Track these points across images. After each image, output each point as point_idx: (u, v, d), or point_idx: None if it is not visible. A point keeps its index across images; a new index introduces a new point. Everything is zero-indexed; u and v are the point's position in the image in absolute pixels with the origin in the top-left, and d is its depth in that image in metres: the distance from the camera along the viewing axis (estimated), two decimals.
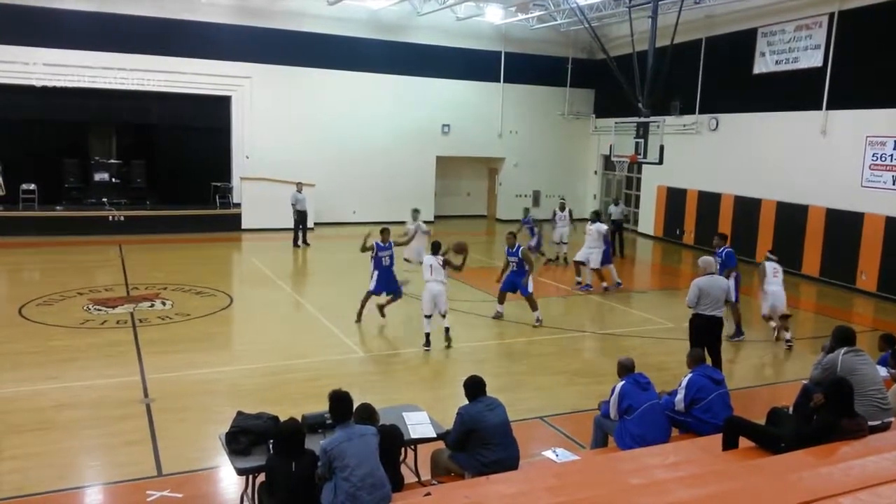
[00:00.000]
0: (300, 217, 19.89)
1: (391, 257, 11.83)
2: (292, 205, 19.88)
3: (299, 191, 20.00)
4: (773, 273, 12.17)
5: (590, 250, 15.18)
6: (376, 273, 11.80)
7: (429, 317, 10.84)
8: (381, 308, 12.03)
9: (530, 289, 12.31)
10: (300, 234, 19.97)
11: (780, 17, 18.91)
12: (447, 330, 10.99)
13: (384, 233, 11.94)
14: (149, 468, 6.70)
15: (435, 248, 11.08)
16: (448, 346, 10.90)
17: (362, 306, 11.97)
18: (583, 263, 15.33)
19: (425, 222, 16.60)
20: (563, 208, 18.50)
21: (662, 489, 4.91)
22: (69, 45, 20.15)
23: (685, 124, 22.20)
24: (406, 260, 15.10)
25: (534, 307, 12.39)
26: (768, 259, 12.54)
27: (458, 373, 8.88)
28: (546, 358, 10.75)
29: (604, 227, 15.37)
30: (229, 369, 9.83)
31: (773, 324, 12.23)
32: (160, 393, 8.60)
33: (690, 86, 21.98)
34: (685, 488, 4.85)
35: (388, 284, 11.88)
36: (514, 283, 12.43)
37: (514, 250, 12.37)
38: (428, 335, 10.84)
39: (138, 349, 10.28)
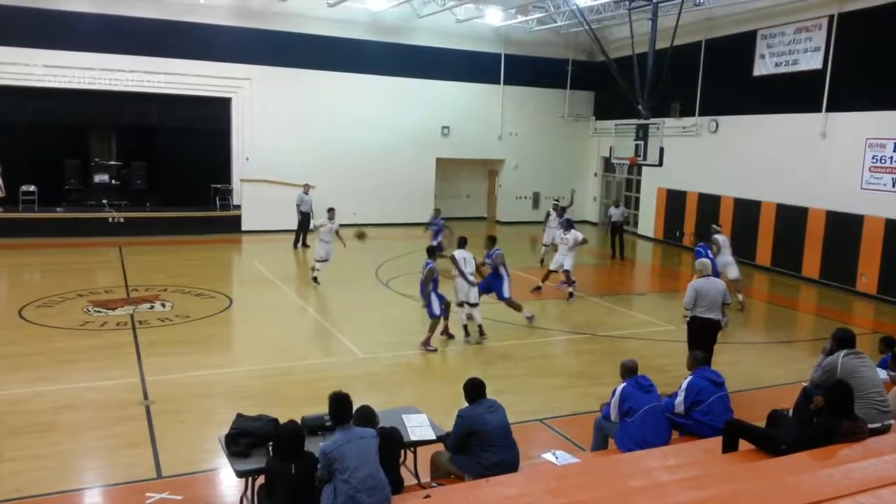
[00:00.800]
0: (303, 219, 19.81)
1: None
2: (297, 206, 19.83)
3: (306, 192, 19.92)
4: (725, 244, 13.74)
5: (563, 257, 14.91)
6: (433, 293, 10.95)
7: (461, 305, 11.27)
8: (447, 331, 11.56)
9: (506, 293, 12.23)
10: (301, 236, 19.95)
11: (779, 20, 18.92)
12: (480, 326, 11.44)
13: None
14: (148, 470, 6.69)
15: (462, 243, 11.81)
16: (482, 336, 11.48)
17: (433, 332, 11.07)
18: (555, 272, 15.11)
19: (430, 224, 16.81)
20: (555, 209, 18.35)
21: (662, 491, 4.91)
22: (70, 46, 20.18)
23: (685, 126, 22.22)
24: (319, 261, 15.31)
25: (517, 308, 12.39)
26: (718, 232, 14.06)
27: (458, 375, 8.87)
28: (546, 360, 10.75)
29: (580, 235, 15.08)
30: (229, 371, 9.83)
31: (739, 296, 13.66)
32: (160, 395, 8.60)
33: (690, 88, 22.00)
34: (685, 490, 4.85)
35: (441, 296, 11.17)
36: (489, 284, 12.35)
37: (490, 253, 12.23)
38: (465, 326, 11.29)
39: (138, 351, 10.28)
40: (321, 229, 15.44)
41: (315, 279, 15.26)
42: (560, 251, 15.13)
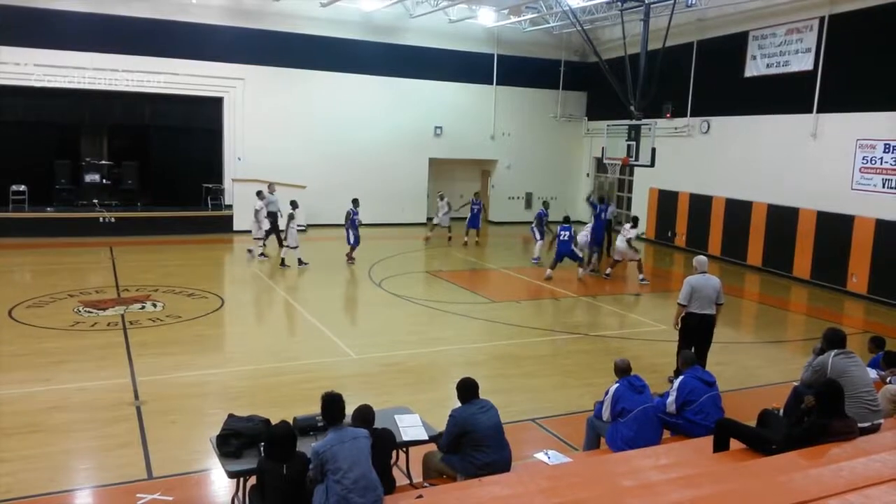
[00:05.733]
0: (273, 219, 18.55)
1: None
2: (265, 206, 18.09)
3: (272, 192, 18.80)
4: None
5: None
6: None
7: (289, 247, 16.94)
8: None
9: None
10: (277, 238, 18.57)
11: (771, 21, 19.00)
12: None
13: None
14: (139, 471, 6.66)
15: (294, 205, 16.87)
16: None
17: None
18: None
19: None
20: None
21: (654, 491, 4.92)
22: (61, 45, 20.06)
23: (677, 127, 22.27)
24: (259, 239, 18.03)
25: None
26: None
27: (451, 375, 8.89)
28: (538, 360, 10.76)
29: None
30: (220, 371, 9.80)
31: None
32: (151, 395, 8.56)
33: (682, 89, 22.05)
34: (677, 490, 4.87)
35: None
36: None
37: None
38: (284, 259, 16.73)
39: (129, 351, 10.24)
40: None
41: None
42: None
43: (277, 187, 20.89)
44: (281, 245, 18.88)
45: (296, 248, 17.07)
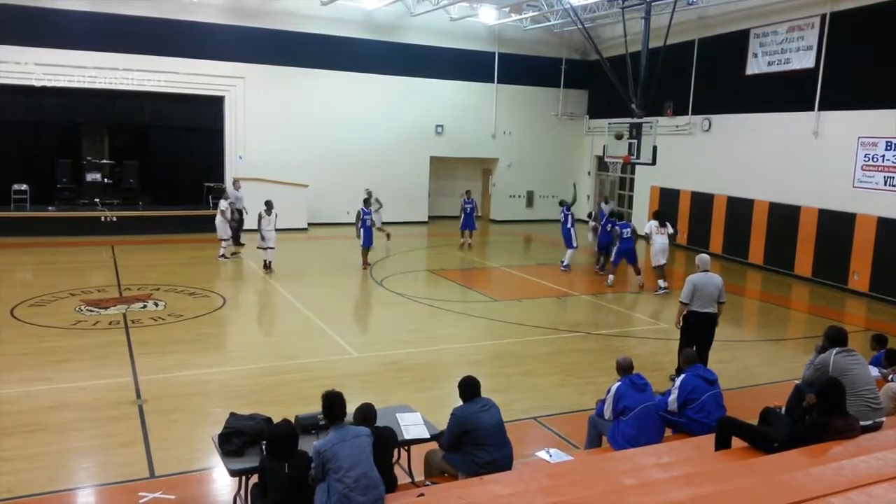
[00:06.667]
0: (239, 216, 18.61)
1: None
2: (230, 204, 17.95)
3: (237, 188, 18.92)
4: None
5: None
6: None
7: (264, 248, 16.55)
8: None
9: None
10: (238, 235, 18.83)
11: (772, 19, 18.97)
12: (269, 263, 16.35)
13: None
14: (141, 469, 6.67)
15: (269, 205, 16.29)
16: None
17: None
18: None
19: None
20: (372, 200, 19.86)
21: (656, 489, 4.92)
22: (61, 44, 20.06)
23: (678, 125, 22.25)
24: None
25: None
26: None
27: (453, 373, 8.89)
28: (540, 358, 10.75)
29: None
30: (222, 370, 9.81)
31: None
32: (153, 394, 8.57)
33: (683, 87, 22.03)
34: (679, 488, 4.86)
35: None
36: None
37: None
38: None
39: (131, 350, 10.25)
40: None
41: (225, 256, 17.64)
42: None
43: (275, 186, 20.88)
44: (240, 243, 18.78)
45: (263, 249, 16.38)
